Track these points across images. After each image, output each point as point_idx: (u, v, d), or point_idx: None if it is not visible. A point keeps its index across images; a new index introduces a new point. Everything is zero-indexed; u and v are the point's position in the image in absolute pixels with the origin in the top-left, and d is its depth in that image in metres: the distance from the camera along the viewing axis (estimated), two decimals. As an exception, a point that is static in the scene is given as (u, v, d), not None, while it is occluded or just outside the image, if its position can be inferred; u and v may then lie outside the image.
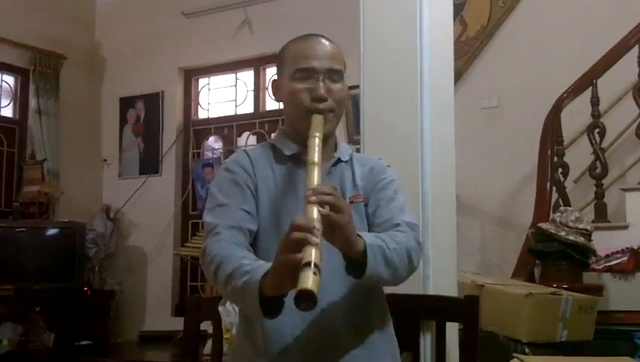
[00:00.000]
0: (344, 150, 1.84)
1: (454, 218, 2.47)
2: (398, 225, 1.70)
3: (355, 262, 1.57)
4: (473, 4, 5.09)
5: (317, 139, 1.64)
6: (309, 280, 1.30)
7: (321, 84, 1.71)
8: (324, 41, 1.78)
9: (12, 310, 5.02)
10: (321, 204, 1.45)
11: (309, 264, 1.32)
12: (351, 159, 1.83)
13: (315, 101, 1.71)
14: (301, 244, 1.36)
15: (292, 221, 1.42)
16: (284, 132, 1.84)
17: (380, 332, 1.74)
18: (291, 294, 1.36)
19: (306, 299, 1.30)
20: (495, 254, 4.75)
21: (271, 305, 1.47)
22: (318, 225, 1.40)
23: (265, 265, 1.49)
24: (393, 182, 1.82)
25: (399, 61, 2.37)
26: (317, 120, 1.69)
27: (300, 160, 1.73)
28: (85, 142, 6.21)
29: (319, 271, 1.32)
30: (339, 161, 1.80)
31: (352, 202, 1.74)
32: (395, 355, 1.78)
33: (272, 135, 4.37)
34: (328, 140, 1.76)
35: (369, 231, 1.74)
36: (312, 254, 1.34)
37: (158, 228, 5.89)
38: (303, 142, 1.67)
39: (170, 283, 5.86)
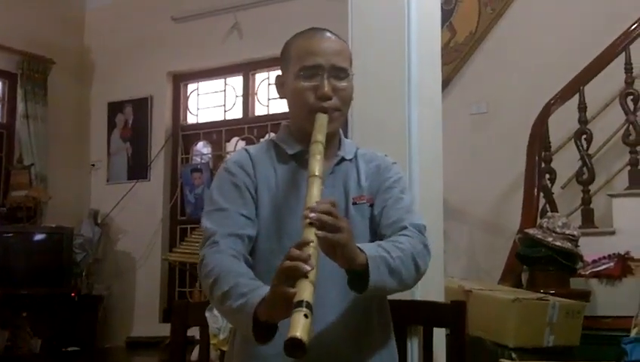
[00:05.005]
0: (348, 147, 1.79)
1: (441, 223, 2.47)
2: (404, 228, 1.66)
3: (358, 275, 1.52)
4: (462, 11, 5.11)
5: (320, 146, 1.59)
6: (298, 326, 1.23)
7: (326, 82, 1.66)
8: (329, 35, 1.74)
9: (-2, 315, 4.99)
10: (319, 224, 1.41)
11: (300, 303, 1.26)
12: (355, 157, 1.78)
13: (319, 99, 1.67)
14: (294, 275, 1.32)
15: (289, 249, 1.38)
16: (288, 129, 1.79)
17: (382, 344, 1.72)
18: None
19: (296, 347, 1.23)
20: (482, 259, 4.76)
21: (264, 330, 1.43)
22: (313, 250, 1.36)
23: (260, 289, 1.45)
24: (400, 180, 1.78)
25: (387, 67, 2.37)
26: (321, 119, 1.65)
27: (303, 159, 1.69)
28: (73, 146, 6.19)
29: (311, 312, 1.26)
30: (343, 159, 1.76)
31: (355, 203, 1.71)
32: None
33: (265, 137, 4.36)
34: (332, 138, 1.72)
35: (374, 231, 1.71)
36: (305, 290, 1.29)
37: (146, 234, 5.87)
38: (307, 141, 1.63)
39: (158, 289, 5.84)
